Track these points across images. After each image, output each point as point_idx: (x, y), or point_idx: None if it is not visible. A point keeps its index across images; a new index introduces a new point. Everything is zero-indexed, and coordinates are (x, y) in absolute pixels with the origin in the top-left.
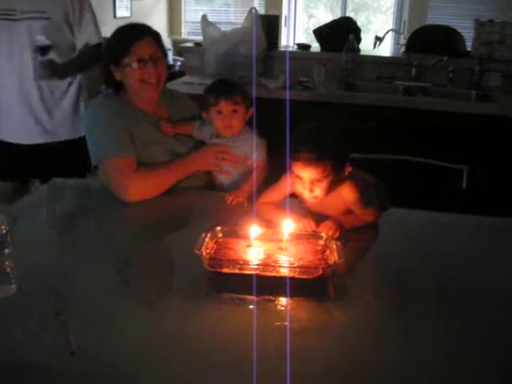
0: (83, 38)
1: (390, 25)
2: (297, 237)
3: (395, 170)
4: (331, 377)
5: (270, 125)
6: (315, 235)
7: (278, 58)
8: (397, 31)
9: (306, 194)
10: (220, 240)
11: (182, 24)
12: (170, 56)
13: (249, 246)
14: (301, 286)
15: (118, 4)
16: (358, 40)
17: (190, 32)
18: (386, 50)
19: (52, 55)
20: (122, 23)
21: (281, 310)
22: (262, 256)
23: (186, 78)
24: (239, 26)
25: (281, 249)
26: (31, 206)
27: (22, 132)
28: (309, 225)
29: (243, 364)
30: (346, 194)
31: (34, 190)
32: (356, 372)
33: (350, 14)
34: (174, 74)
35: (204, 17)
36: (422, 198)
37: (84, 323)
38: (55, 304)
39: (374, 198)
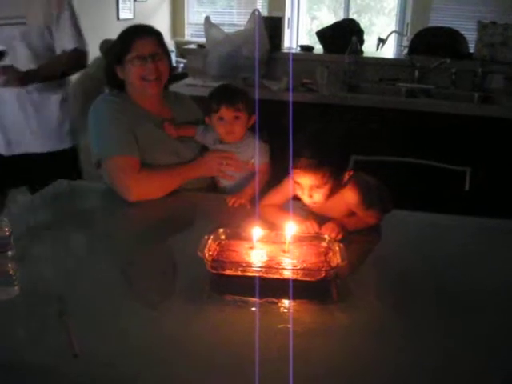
0: (61, 43)
1: (392, 26)
2: (299, 239)
3: (398, 171)
4: (334, 379)
5: (272, 127)
6: (318, 237)
7: (280, 60)
8: (400, 33)
9: (306, 200)
10: (223, 242)
11: (185, 26)
12: (173, 58)
13: (251, 248)
14: (303, 288)
15: (121, 6)
16: (361, 42)
17: (193, 34)
18: (388, 51)
19: (5, 61)
20: (125, 25)
21: (283, 312)
22: (264, 258)
23: (188, 80)
24: (242, 28)
25: (283, 251)
26: (34, 208)
27: (1, 142)
28: (311, 227)
29: (245, 366)
30: (349, 196)
31: (13, 203)
32: (358, 374)
33: (352, 15)
34: (176, 76)
35: (207, 18)
36: (425, 200)
37: (86, 324)
38: (58, 305)
39: (377, 200)
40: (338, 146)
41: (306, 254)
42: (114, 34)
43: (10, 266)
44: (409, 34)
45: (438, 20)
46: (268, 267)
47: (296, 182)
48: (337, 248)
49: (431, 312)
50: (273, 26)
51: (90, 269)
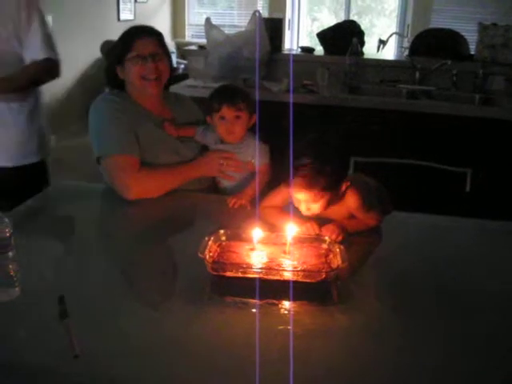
0: (31, 53)
1: (393, 28)
2: (300, 240)
3: (398, 173)
4: (334, 380)
5: (273, 128)
6: (318, 239)
7: (281, 61)
8: (400, 34)
9: (304, 212)
10: (223, 243)
11: (186, 27)
12: (174, 59)
13: (252, 249)
14: (304, 290)
15: (121, 7)
16: (362, 43)
17: (193, 35)
18: (389, 53)
19: None
20: (125, 26)
21: (284, 314)
22: (265, 259)
23: (189, 81)
24: (243, 29)
25: (284, 252)
26: (34, 209)
27: None
28: (312, 228)
29: (246, 367)
30: (349, 200)
31: None
32: (358, 375)
33: (353, 17)
34: (177, 77)
35: (208, 20)
36: (426, 202)
37: (87, 325)
38: (58, 306)
39: (376, 202)
40: (339, 147)
41: (307, 255)
42: (114, 34)
43: (10, 266)
44: (409, 35)
45: (438, 21)
46: (268, 269)
47: (293, 195)
48: (337, 250)
49: (431, 313)
50: (273, 28)
51: (91, 269)
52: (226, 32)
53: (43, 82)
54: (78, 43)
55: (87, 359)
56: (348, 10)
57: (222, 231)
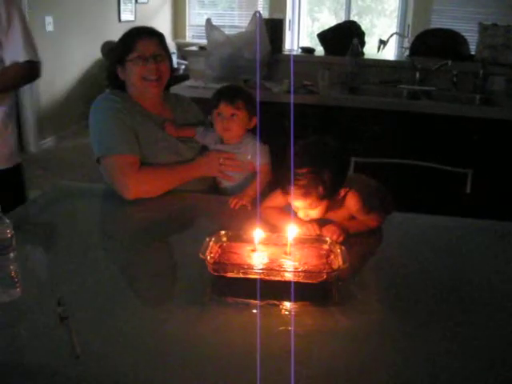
0: (11, 55)
1: (394, 28)
2: (301, 241)
3: (399, 173)
4: (335, 381)
5: (273, 128)
6: (319, 239)
7: (281, 62)
8: (401, 34)
9: (303, 218)
10: (224, 244)
11: (187, 27)
12: (174, 59)
13: (253, 250)
14: (305, 291)
15: (122, 7)
16: (362, 43)
17: (194, 35)
18: (390, 53)
19: None
20: (126, 27)
21: (285, 315)
22: (266, 260)
23: (190, 82)
24: (243, 30)
25: (285, 253)
26: (35, 210)
27: None
28: (312, 229)
29: (247, 368)
30: (349, 203)
31: None
32: (359, 376)
33: (354, 17)
34: (178, 78)
35: (208, 20)
36: (426, 202)
37: (88, 326)
38: (59, 307)
39: (377, 203)
40: (339, 150)
41: (308, 256)
42: (115, 35)
43: (11, 267)
44: (410, 35)
45: (439, 22)
46: (269, 269)
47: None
48: (338, 250)
49: (432, 314)
50: (274, 28)
51: (92, 270)
52: (227, 33)
53: (23, 84)
54: (78, 44)
55: (88, 360)
56: (348, 10)
57: (222, 232)
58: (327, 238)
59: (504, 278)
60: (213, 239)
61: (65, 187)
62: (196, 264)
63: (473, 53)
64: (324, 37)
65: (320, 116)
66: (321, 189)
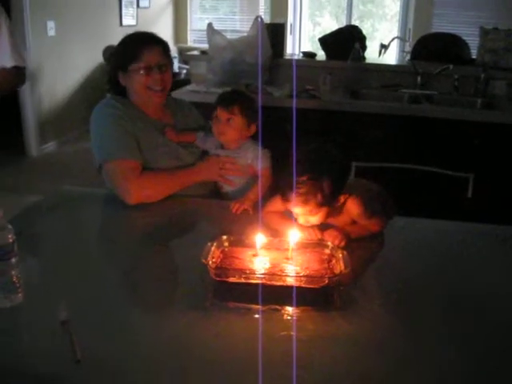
0: None
1: (395, 32)
2: (303, 246)
3: (400, 178)
4: None
5: (275, 133)
6: (321, 244)
7: (283, 66)
8: (402, 39)
9: (303, 223)
10: (226, 249)
11: (188, 32)
12: (176, 64)
13: (255, 255)
14: (307, 296)
15: (124, 12)
16: (364, 48)
17: (195, 40)
18: (391, 57)
19: None
20: (127, 31)
21: (287, 320)
22: (267, 265)
23: (191, 86)
24: (245, 34)
25: (287, 258)
26: (37, 215)
27: None
28: (314, 233)
29: (249, 373)
30: (351, 208)
31: None
32: (361, 382)
33: (355, 21)
34: (179, 82)
35: (210, 25)
36: (428, 207)
37: (89, 331)
38: (61, 312)
39: (379, 208)
40: (340, 156)
41: (309, 260)
42: (116, 40)
43: (13, 273)
44: (411, 39)
45: (440, 26)
46: (271, 274)
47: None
48: (340, 255)
49: (434, 319)
50: (275, 33)
51: (93, 274)
52: (228, 37)
53: (9, 89)
54: (80, 48)
55: (89, 365)
56: (349, 14)
57: (224, 237)
58: (329, 243)
59: (506, 282)
60: (214, 244)
61: (66, 192)
62: (198, 269)
63: (474, 57)
64: (325, 41)
65: (321, 120)
66: (320, 196)
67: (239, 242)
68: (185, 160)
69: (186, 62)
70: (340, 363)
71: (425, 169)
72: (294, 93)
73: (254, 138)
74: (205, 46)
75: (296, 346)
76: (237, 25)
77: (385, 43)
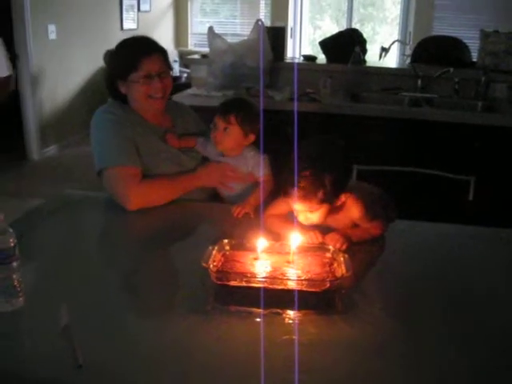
0: None
1: (395, 36)
2: (304, 249)
3: (401, 181)
4: None
5: (276, 136)
6: (322, 248)
7: (283, 70)
8: (402, 42)
9: (303, 221)
10: (227, 253)
11: (189, 36)
12: (177, 68)
13: (256, 258)
14: (308, 299)
15: (124, 16)
16: (364, 51)
17: (196, 44)
18: (391, 60)
19: None
20: (128, 35)
21: (288, 323)
22: (269, 269)
23: (192, 90)
24: (245, 38)
25: (288, 261)
26: (38, 218)
27: None
28: (315, 237)
29: (250, 377)
30: (352, 210)
31: None
32: None
33: (355, 25)
34: (180, 86)
35: (210, 28)
36: (429, 210)
37: (90, 335)
38: (62, 317)
39: (380, 211)
40: (344, 150)
41: (311, 264)
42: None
43: (14, 277)
44: (411, 42)
45: (440, 29)
46: (272, 278)
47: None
48: (341, 258)
49: (436, 322)
50: (276, 36)
51: (94, 278)
52: (229, 41)
53: (4, 98)
54: (81, 52)
55: (90, 369)
56: (350, 18)
57: (225, 240)
58: (330, 247)
59: (507, 285)
60: (216, 247)
61: (67, 196)
62: (199, 272)
63: (474, 60)
64: (326, 44)
65: (322, 124)
66: (321, 192)
67: (240, 245)
68: (186, 165)
69: (186, 66)
70: (342, 367)
71: (426, 172)
72: (295, 96)
73: (255, 142)
74: (205, 49)
75: (298, 350)
76: (237, 28)
77: (385, 46)
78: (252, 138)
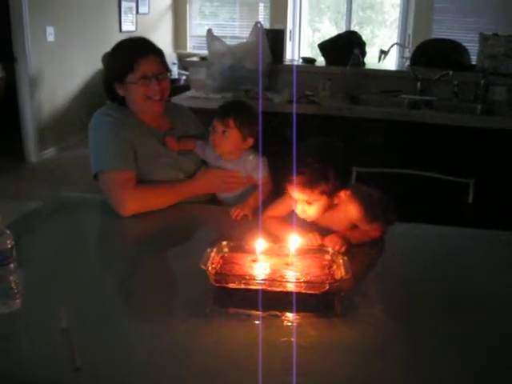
0: None
1: (394, 38)
2: (303, 251)
3: (401, 183)
4: None
5: (275, 138)
6: (322, 250)
7: (282, 72)
8: (401, 45)
9: (300, 213)
10: (226, 255)
11: (188, 38)
12: (175, 70)
13: (255, 260)
14: (307, 301)
15: (123, 18)
16: (363, 54)
17: (195, 46)
18: (390, 63)
19: None
20: (127, 37)
21: (287, 326)
22: (268, 271)
23: (190, 92)
24: (244, 40)
25: (287, 264)
26: (35, 220)
27: None
28: (314, 239)
29: (249, 379)
30: (351, 211)
31: None
32: None
33: (354, 28)
34: (179, 88)
35: (209, 31)
36: (428, 212)
37: (88, 338)
38: (59, 319)
39: (380, 213)
40: (344, 152)
41: (310, 266)
42: None
43: (11, 278)
44: (410, 45)
45: (439, 32)
46: (271, 280)
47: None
48: (341, 261)
49: (436, 324)
50: (275, 38)
51: (92, 281)
52: (228, 43)
53: None
54: (79, 54)
55: (88, 372)
56: (349, 20)
57: (224, 243)
58: (329, 249)
59: (506, 287)
60: (214, 250)
61: (65, 198)
62: (197, 275)
63: (474, 63)
64: (325, 47)
65: (321, 126)
66: (323, 184)
67: (239, 247)
68: (184, 169)
69: (185, 68)
70: (341, 369)
71: (425, 174)
72: (295, 98)
73: (254, 144)
74: (204, 52)
75: (297, 353)
76: (236, 31)
77: (384, 49)
78: (251, 141)
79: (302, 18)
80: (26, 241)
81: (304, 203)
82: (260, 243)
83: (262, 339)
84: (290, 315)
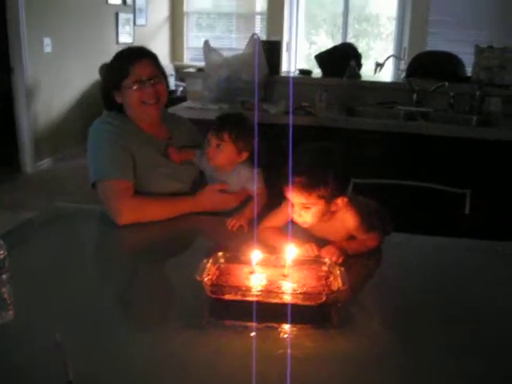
0: None
1: (390, 51)
2: (300, 262)
3: (397, 194)
4: None
5: (271, 150)
6: (318, 261)
7: (279, 84)
8: (397, 57)
9: (296, 218)
10: (222, 266)
11: (185, 50)
12: (172, 81)
13: (251, 272)
14: (304, 313)
15: (120, 30)
16: (359, 66)
17: (192, 58)
18: (386, 75)
19: None
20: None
21: (283, 338)
22: (264, 282)
23: (187, 103)
24: (241, 52)
25: (283, 275)
26: (30, 231)
27: None
28: (311, 249)
29: None
30: (348, 220)
31: None
32: None
33: (350, 40)
34: (175, 100)
35: (206, 42)
36: (425, 223)
37: (82, 350)
38: (53, 331)
39: (377, 222)
40: (341, 163)
41: (307, 277)
42: None
43: (4, 289)
44: (406, 57)
45: (434, 44)
46: (268, 291)
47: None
48: (337, 272)
49: (433, 336)
50: (271, 50)
51: (87, 292)
52: (225, 55)
53: None
54: (76, 65)
55: (85, 382)
56: (345, 33)
57: (220, 253)
58: (326, 260)
59: (504, 297)
60: (210, 261)
61: (61, 208)
62: (193, 286)
63: (469, 74)
64: (321, 59)
65: (317, 137)
66: (322, 188)
67: (235, 258)
68: (184, 179)
69: (182, 80)
70: (338, 381)
71: (421, 185)
72: (291, 109)
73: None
74: (201, 63)
75: (293, 365)
76: (233, 43)
77: (380, 61)
78: (245, 155)
79: (299, 31)
80: (19, 251)
81: (301, 207)
82: (256, 254)
83: (259, 351)
84: (286, 327)
